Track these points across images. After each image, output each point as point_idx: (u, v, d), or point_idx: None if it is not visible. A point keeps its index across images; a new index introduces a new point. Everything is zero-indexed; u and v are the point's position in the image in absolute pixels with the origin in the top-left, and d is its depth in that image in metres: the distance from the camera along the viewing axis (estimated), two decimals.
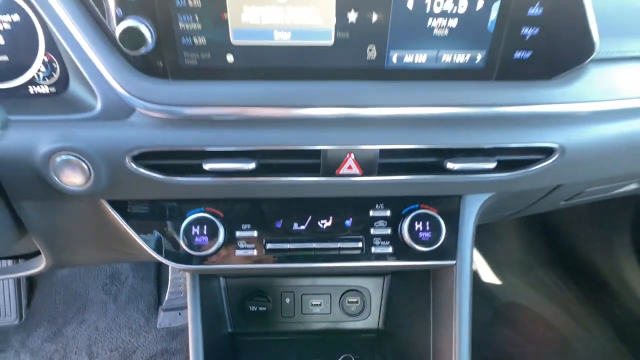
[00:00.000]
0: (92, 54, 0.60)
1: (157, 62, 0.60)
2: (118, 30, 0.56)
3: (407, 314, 0.93)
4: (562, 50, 0.61)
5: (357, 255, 0.73)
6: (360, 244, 0.73)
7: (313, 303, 0.98)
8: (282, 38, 0.59)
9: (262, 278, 0.96)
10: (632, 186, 0.96)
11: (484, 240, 1.93)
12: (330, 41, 0.59)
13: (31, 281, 1.66)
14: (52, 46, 0.69)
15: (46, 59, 0.71)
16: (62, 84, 0.71)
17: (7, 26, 0.69)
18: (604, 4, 0.68)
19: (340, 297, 0.97)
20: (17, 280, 1.61)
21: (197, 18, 0.57)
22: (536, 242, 1.93)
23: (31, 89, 0.72)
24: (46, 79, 0.72)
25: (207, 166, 0.64)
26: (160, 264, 1.76)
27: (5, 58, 0.71)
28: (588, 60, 0.61)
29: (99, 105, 0.64)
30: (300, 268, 0.74)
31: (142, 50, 0.57)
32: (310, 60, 0.60)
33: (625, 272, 1.62)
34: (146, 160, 0.64)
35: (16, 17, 0.69)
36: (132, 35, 0.56)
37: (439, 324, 0.83)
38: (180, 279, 1.63)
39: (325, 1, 0.56)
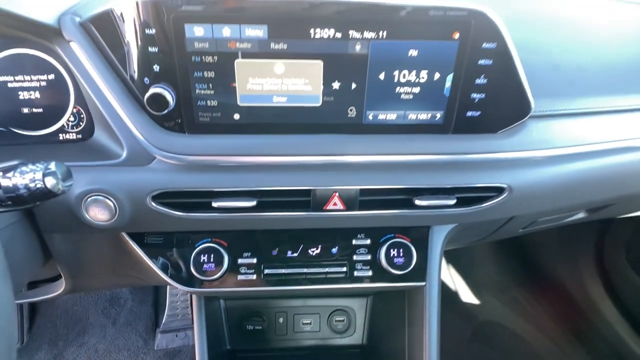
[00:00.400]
0: (122, 113, 0.72)
1: (176, 119, 0.73)
2: (146, 95, 0.69)
3: (386, 330, 1.05)
4: (504, 110, 0.75)
5: (341, 279, 0.86)
6: (344, 269, 0.86)
7: (304, 322, 1.10)
8: (279, 101, 0.72)
9: (258, 300, 1.08)
10: (580, 215, 1.11)
11: (465, 263, 2.07)
12: (318, 103, 0.73)
13: (33, 305, 1.74)
14: (80, 99, 0.82)
15: (75, 111, 0.83)
16: (88, 131, 0.84)
17: (44, 83, 0.82)
18: (540, 68, 0.84)
19: (328, 316, 1.09)
20: (20, 305, 1.68)
21: (210, 86, 0.70)
22: (512, 264, 2.07)
23: (61, 136, 0.85)
24: (74, 127, 0.85)
25: (215, 204, 0.77)
26: (158, 288, 1.85)
27: (40, 110, 0.83)
28: (526, 117, 0.76)
29: (124, 154, 0.76)
30: (293, 290, 0.86)
31: (165, 111, 0.70)
32: (302, 118, 0.73)
33: (591, 292, 1.76)
34: (164, 199, 0.76)
35: (52, 76, 0.82)
36: (157, 99, 0.68)
37: (413, 338, 0.94)
38: (178, 302, 1.73)
39: (314, 74, 0.70)
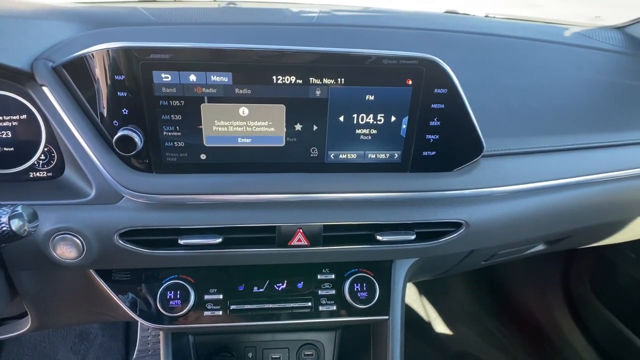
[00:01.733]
0: (91, 153, 0.74)
1: (144, 159, 0.75)
2: (115, 137, 0.71)
3: None
4: (458, 149, 0.80)
5: (307, 314, 0.87)
6: (309, 304, 0.87)
7: (273, 357, 1.10)
8: (244, 142, 0.76)
9: (227, 335, 1.08)
10: (540, 247, 1.16)
11: (437, 294, 2.09)
12: (282, 144, 0.76)
13: None
14: (51, 138, 0.84)
15: (46, 149, 0.85)
16: (58, 170, 0.85)
17: (16, 123, 0.84)
18: (491, 109, 0.89)
19: (297, 350, 1.09)
20: None
21: (178, 128, 0.73)
22: (484, 294, 2.10)
23: (32, 174, 0.86)
24: (45, 165, 0.86)
25: (181, 241, 0.79)
26: (129, 323, 1.82)
27: (12, 149, 0.85)
28: (479, 156, 0.81)
29: (93, 192, 0.77)
30: (259, 325, 0.87)
31: (133, 152, 0.72)
32: (266, 158, 0.77)
33: (560, 322, 1.80)
34: (131, 237, 0.78)
35: (24, 116, 0.84)
36: (125, 141, 0.71)
37: None
38: (149, 337, 1.70)
39: (277, 116, 0.74)
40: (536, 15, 1.43)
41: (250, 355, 1.08)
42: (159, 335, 1.69)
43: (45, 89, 0.73)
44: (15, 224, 0.56)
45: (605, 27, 1.25)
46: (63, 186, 0.84)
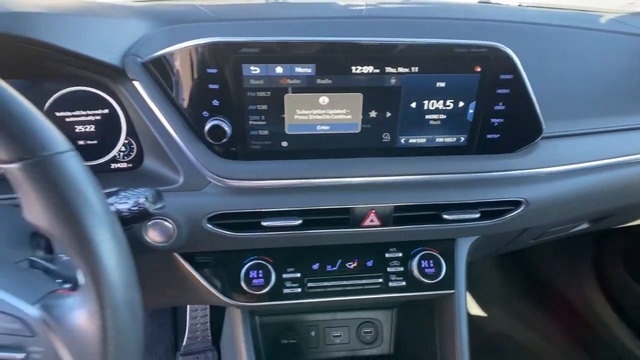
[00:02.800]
0: (181, 143, 0.79)
1: (230, 147, 0.81)
2: (206, 127, 0.77)
3: (415, 339, 1.12)
4: (520, 132, 0.85)
5: (378, 289, 0.93)
6: (380, 280, 0.93)
7: (334, 335, 1.16)
8: (322, 129, 0.81)
9: (291, 315, 1.14)
10: (584, 225, 1.21)
11: (470, 277, 2.14)
12: (357, 130, 0.82)
13: None
14: (131, 131, 0.89)
15: (126, 142, 0.91)
16: (138, 160, 0.91)
17: (99, 117, 0.90)
18: (550, 94, 0.94)
19: (357, 328, 1.15)
20: None
21: (263, 117, 0.79)
22: (516, 276, 2.15)
23: (113, 165, 0.92)
24: (125, 157, 0.92)
25: (264, 223, 0.84)
26: (176, 310, 1.89)
27: (95, 142, 0.91)
28: (539, 138, 0.86)
29: (181, 179, 0.83)
30: (334, 301, 0.93)
31: (222, 140, 0.78)
32: (342, 144, 0.82)
33: (593, 301, 1.85)
34: (218, 221, 0.84)
35: (106, 111, 0.89)
36: (216, 131, 0.77)
37: (444, 344, 1.01)
38: (198, 325, 1.76)
39: (355, 105, 0.79)
40: (568, 4, 1.47)
41: (312, 334, 1.14)
42: (208, 322, 1.76)
43: (136, 83, 0.79)
44: (149, 205, 0.61)
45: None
46: (143, 176, 0.90)
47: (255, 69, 0.75)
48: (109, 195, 0.62)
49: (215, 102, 0.77)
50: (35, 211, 0.40)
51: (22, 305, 0.43)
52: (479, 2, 1.44)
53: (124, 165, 0.92)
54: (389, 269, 0.94)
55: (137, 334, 0.44)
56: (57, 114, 0.88)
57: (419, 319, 1.10)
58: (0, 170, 0.40)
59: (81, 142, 0.90)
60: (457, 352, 0.95)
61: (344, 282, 0.93)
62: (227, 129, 0.77)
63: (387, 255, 0.94)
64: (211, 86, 0.76)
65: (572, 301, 1.90)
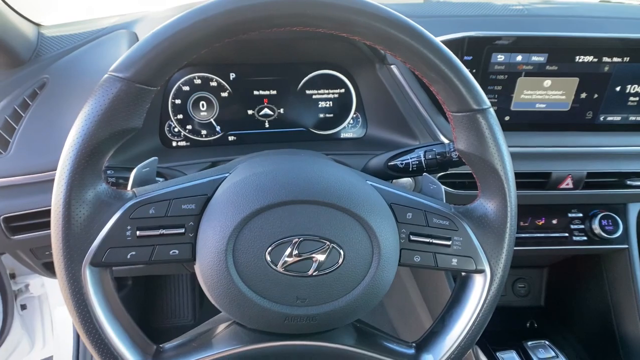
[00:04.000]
0: (426, 116, 0.98)
1: None
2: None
3: (569, 294, 1.30)
4: None
5: (564, 242, 1.12)
6: (565, 234, 1.12)
7: None
8: (540, 107, 1.00)
9: None
10: None
11: None
12: (567, 109, 1.00)
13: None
14: (359, 106, 1.10)
15: (354, 115, 1.12)
16: (362, 131, 1.12)
17: (336, 95, 1.11)
18: None
19: (512, 283, 1.34)
20: (192, 285, 1.96)
21: (495, 96, 0.98)
22: None
23: (342, 134, 1.13)
24: (352, 128, 1.13)
25: None
26: None
27: (331, 115, 1.12)
28: None
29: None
30: (523, 250, 1.12)
31: None
32: (552, 119, 1.01)
33: None
34: (445, 179, 1.04)
35: (342, 90, 1.10)
36: None
37: (618, 297, 1.19)
38: None
39: (570, 87, 0.98)
40: None
41: None
42: None
43: (393, 67, 0.99)
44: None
45: None
46: (366, 144, 1.10)
47: (501, 57, 0.94)
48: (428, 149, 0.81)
49: None
50: (472, 143, 0.60)
51: (446, 207, 0.64)
52: (600, 1, 1.59)
53: (350, 135, 1.13)
54: (572, 226, 1.13)
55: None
56: (307, 91, 1.09)
57: (574, 277, 1.28)
58: (458, 115, 0.59)
59: (321, 115, 1.11)
60: (634, 300, 1.14)
61: (535, 235, 1.12)
62: None
63: (569, 215, 1.13)
64: None
65: None
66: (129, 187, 0.60)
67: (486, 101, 0.59)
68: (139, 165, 0.62)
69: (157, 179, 0.64)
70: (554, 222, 1.13)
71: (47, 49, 1.04)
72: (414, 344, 0.67)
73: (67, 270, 0.54)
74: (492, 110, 0.60)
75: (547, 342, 1.12)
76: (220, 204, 0.56)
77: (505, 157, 0.61)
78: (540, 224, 1.13)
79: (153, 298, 1.91)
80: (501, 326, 1.21)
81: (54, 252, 0.55)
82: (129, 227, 0.55)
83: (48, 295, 1.63)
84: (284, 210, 0.56)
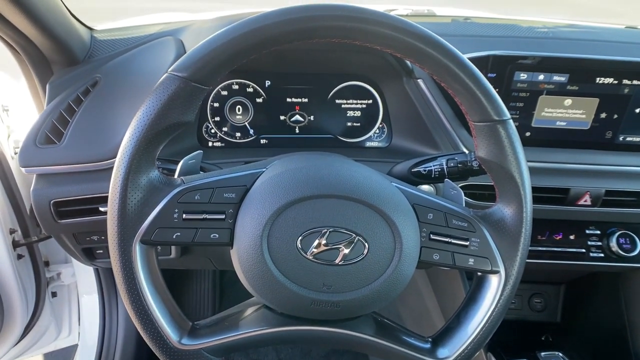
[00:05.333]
0: (449, 128, 1.02)
1: None
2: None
3: (585, 311, 1.32)
4: None
5: (580, 257, 1.15)
6: (582, 250, 1.15)
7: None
8: (560, 125, 1.04)
9: None
10: None
11: None
12: (587, 127, 1.04)
13: (222, 287, 2.08)
14: (386, 117, 1.15)
15: (380, 126, 1.17)
16: (387, 141, 1.17)
17: (364, 106, 1.16)
18: None
19: (528, 298, 1.36)
20: (213, 287, 2.02)
21: (517, 112, 1.02)
22: None
23: (368, 143, 1.18)
24: (378, 137, 1.18)
25: None
26: None
27: (358, 124, 1.17)
28: None
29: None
30: (538, 264, 1.15)
31: None
32: (572, 137, 1.05)
33: None
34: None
35: (370, 101, 1.16)
36: None
37: (634, 312, 1.20)
38: None
39: (590, 107, 1.01)
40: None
41: None
42: None
43: (420, 81, 1.04)
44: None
45: None
46: (392, 153, 1.15)
47: (524, 75, 0.99)
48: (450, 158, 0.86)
49: None
50: (492, 151, 0.65)
51: (465, 211, 0.68)
52: (626, 27, 1.62)
53: (375, 144, 1.19)
54: (589, 243, 1.15)
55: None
56: (337, 100, 1.15)
57: (591, 294, 1.30)
58: (480, 124, 0.64)
59: (349, 124, 1.17)
60: None
61: (551, 249, 1.15)
62: None
63: (587, 231, 1.16)
64: None
65: None
66: (176, 175, 0.66)
67: (506, 113, 0.64)
68: (185, 157, 0.69)
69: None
70: (572, 237, 1.16)
71: (99, 51, 1.13)
72: (430, 339, 0.71)
73: (120, 245, 0.60)
74: (511, 121, 0.65)
75: (560, 354, 1.14)
76: (258, 194, 0.62)
77: (522, 165, 0.65)
78: (558, 238, 1.16)
79: (174, 297, 1.98)
80: (516, 338, 1.23)
81: (108, 229, 0.61)
82: (176, 210, 0.61)
83: (78, 284, 1.71)
84: (316, 203, 0.61)
